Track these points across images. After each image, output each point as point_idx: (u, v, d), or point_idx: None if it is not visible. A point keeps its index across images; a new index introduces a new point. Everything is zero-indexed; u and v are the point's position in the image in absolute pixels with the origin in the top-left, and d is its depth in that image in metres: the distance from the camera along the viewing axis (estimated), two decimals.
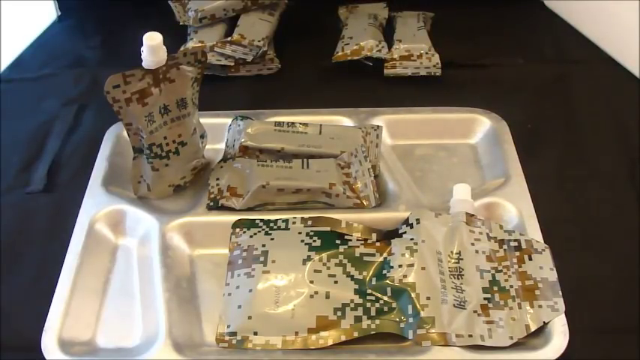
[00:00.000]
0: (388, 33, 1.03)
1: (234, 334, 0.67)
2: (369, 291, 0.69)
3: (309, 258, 0.71)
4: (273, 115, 0.89)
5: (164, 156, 0.77)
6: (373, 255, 0.72)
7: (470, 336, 0.65)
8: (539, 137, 0.88)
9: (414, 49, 0.99)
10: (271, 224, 0.76)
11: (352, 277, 0.70)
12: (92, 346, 0.68)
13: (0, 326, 0.69)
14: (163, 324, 0.67)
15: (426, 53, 0.99)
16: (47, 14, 1.14)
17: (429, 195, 0.80)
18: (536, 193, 0.78)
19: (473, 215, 0.74)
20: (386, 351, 0.66)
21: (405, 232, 0.73)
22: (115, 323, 0.70)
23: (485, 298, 0.68)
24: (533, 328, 0.66)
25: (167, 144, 0.76)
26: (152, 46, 0.70)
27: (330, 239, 0.73)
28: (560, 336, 0.65)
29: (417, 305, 0.66)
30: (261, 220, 0.76)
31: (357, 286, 0.69)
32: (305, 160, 0.81)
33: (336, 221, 0.75)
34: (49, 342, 0.66)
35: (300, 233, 0.74)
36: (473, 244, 0.72)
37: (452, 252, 0.71)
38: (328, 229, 0.74)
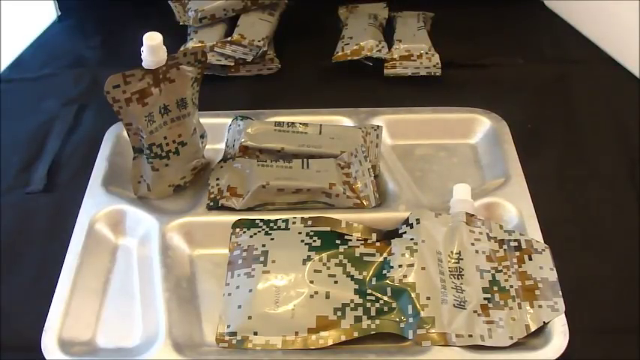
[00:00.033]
0: (388, 33, 1.03)
1: (234, 334, 0.67)
2: (369, 291, 0.69)
3: (309, 258, 0.71)
4: (273, 115, 0.89)
5: (164, 156, 0.77)
6: (373, 255, 0.72)
7: (470, 336, 0.65)
8: (539, 137, 0.88)
9: (414, 49, 0.99)
10: (271, 224, 0.76)
11: (352, 277, 0.70)
12: (92, 346, 0.68)
13: (0, 326, 0.69)
14: (163, 324, 0.67)
15: (426, 53, 0.99)
16: (47, 14, 1.14)
17: (429, 195, 0.80)
18: (536, 193, 0.78)
19: (473, 215, 0.74)
20: (386, 351, 0.66)
21: (405, 232, 0.73)
22: (115, 323, 0.70)
23: (485, 298, 0.68)
24: (533, 328, 0.66)
25: (167, 144, 0.76)
26: (152, 46, 0.70)
27: (330, 239, 0.73)
28: (560, 336, 0.65)
29: (417, 305, 0.66)
30: (261, 220, 0.76)
31: (357, 286, 0.69)
32: (305, 160, 0.81)
33: (336, 221, 0.75)
34: (49, 342, 0.66)
35: (300, 233, 0.74)
36: (473, 244, 0.72)
37: (452, 252, 0.71)
38: (328, 229, 0.74)
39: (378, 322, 0.67)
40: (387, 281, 0.69)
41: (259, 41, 0.98)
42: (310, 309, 0.68)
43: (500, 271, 0.70)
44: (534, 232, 0.74)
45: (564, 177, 0.83)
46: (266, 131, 0.84)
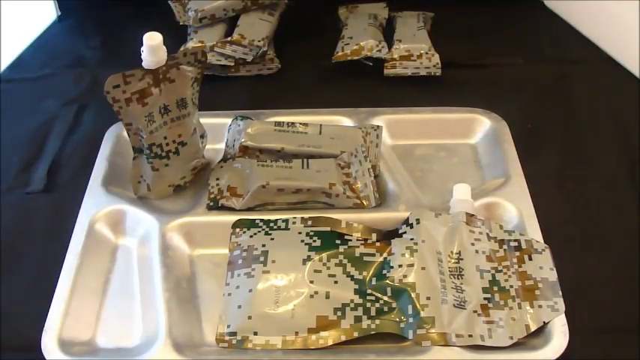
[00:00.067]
0: (388, 33, 1.03)
1: (234, 334, 0.67)
2: (369, 291, 0.69)
3: (309, 258, 0.71)
4: (273, 115, 0.89)
5: (164, 156, 0.77)
6: (373, 255, 0.72)
7: (470, 336, 0.65)
8: (539, 137, 0.88)
9: (414, 49, 0.99)
10: (271, 224, 0.76)
11: (352, 277, 0.70)
12: (92, 346, 0.68)
13: (0, 326, 0.69)
14: (163, 324, 0.67)
15: (426, 53, 0.99)
16: (47, 14, 1.14)
17: (429, 195, 0.80)
18: (536, 193, 0.78)
19: (473, 215, 0.74)
20: (386, 351, 0.66)
21: (405, 232, 0.73)
22: (115, 323, 0.70)
23: (485, 298, 0.68)
24: (533, 328, 0.66)
25: (167, 144, 0.76)
26: (152, 46, 0.70)
27: (330, 239, 0.73)
28: (560, 336, 0.65)
29: (417, 305, 0.66)
30: (261, 220, 0.76)
31: (357, 286, 0.69)
32: (305, 160, 0.81)
33: (336, 221, 0.75)
34: (49, 342, 0.66)
35: (300, 233, 0.74)
36: (473, 244, 0.72)
37: (452, 252, 0.71)
38: (328, 229, 0.74)
39: (378, 322, 0.67)
40: (387, 281, 0.69)
41: (259, 41, 0.98)
42: (310, 309, 0.68)
43: (500, 271, 0.70)
44: (534, 232, 0.74)
45: (564, 177, 0.83)
46: (266, 131, 0.84)
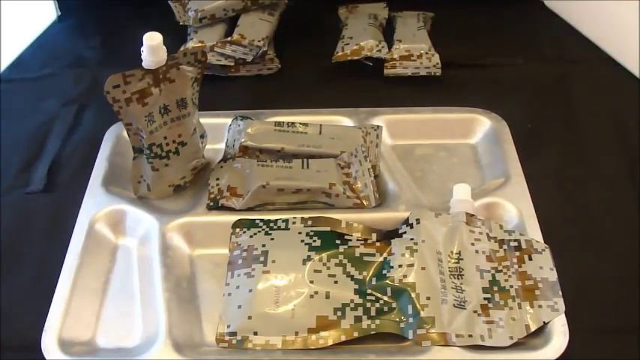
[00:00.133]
0: (388, 33, 1.03)
1: (234, 334, 0.67)
2: (369, 291, 0.69)
3: (309, 258, 0.71)
4: (273, 115, 0.89)
5: (164, 156, 0.77)
6: (373, 255, 0.72)
7: (470, 336, 0.65)
8: (539, 137, 0.88)
9: (414, 49, 0.99)
10: (271, 224, 0.76)
11: (352, 277, 0.70)
12: (92, 346, 0.68)
13: (0, 326, 0.69)
14: (163, 324, 0.67)
15: (426, 53, 0.99)
16: (47, 14, 1.14)
17: (429, 195, 0.80)
18: (536, 193, 0.78)
19: (473, 215, 0.74)
20: (386, 351, 0.66)
21: (405, 232, 0.73)
22: (115, 323, 0.70)
23: (485, 298, 0.68)
24: (533, 328, 0.66)
25: (167, 144, 0.76)
26: (152, 46, 0.70)
27: (330, 239, 0.73)
28: (560, 336, 0.65)
29: (417, 305, 0.66)
30: (261, 220, 0.76)
31: (357, 286, 0.69)
32: (305, 160, 0.81)
33: (336, 221, 0.75)
34: (49, 342, 0.66)
35: (300, 233, 0.74)
36: (473, 244, 0.72)
37: (452, 252, 0.71)
38: (328, 229, 0.74)
39: (378, 322, 0.67)
40: (387, 281, 0.69)
41: (259, 41, 0.98)
42: (310, 309, 0.68)
43: (500, 271, 0.70)
44: (534, 232, 0.74)
45: (564, 177, 0.83)
46: (266, 131, 0.84)
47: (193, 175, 0.82)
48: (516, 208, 0.77)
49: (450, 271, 0.69)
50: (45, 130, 0.92)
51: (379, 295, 0.69)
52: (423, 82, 0.97)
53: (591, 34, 1.05)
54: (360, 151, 0.81)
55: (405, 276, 0.68)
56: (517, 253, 0.71)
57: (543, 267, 0.70)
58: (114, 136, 0.87)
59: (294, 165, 0.80)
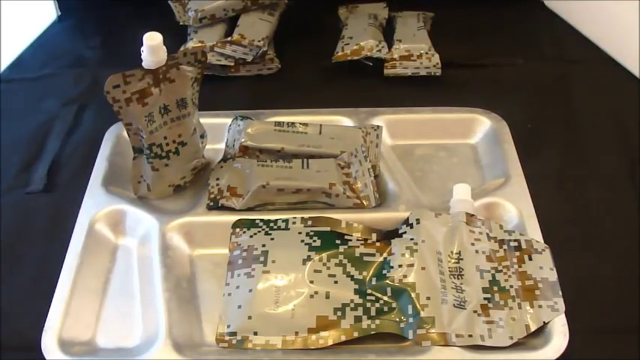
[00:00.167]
0: (388, 33, 1.03)
1: (234, 334, 0.67)
2: (369, 291, 0.69)
3: (309, 258, 0.71)
4: (273, 115, 0.89)
5: (164, 156, 0.77)
6: (373, 255, 0.72)
7: (470, 336, 0.65)
8: (539, 137, 0.88)
9: (414, 49, 0.99)
10: (271, 224, 0.76)
11: (352, 277, 0.70)
12: (92, 346, 0.68)
13: (0, 326, 0.69)
14: (163, 324, 0.67)
15: (426, 53, 0.99)
16: (47, 14, 1.14)
17: (429, 195, 0.80)
18: (536, 193, 0.78)
19: (473, 215, 0.74)
20: (386, 351, 0.66)
21: (405, 232, 0.73)
22: (115, 323, 0.70)
23: (485, 298, 0.68)
24: (533, 328, 0.66)
25: (167, 144, 0.76)
26: (152, 46, 0.70)
27: (330, 239, 0.73)
28: (560, 336, 0.65)
29: (417, 305, 0.66)
30: (261, 220, 0.76)
31: (357, 286, 0.69)
32: (305, 160, 0.81)
33: (336, 221, 0.75)
34: (49, 342, 0.66)
35: (300, 233, 0.74)
36: (473, 244, 0.72)
37: (452, 252, 0.71)
38: (328, 229, 0.74)
39: (378, 322, 0.67)
40: (387, 281, 0.69)
41: (259, 41, 0.98)
42: (310, 309, 0.68)
43: (500, 271, 0.70)
44: (534, 232, 0.74)
45: (564, 177, 0.83)
46: (266, 131, 0.84)
47: (193, 175, 0.82)
48: (516, 208, 0.77)
49: (450, 271, 0.69)
50: (45, 130, 0.92)
51: (379, 295, 0.69)
52: (423, 82, 0.97)
53: (591, 34, 1.05)
54: (360, 151, 0.81)
55: (405, 276, 0.68)
56: (517, 253, 0.71)
57: (543, 267, 0.70)
58: (114, 136, 0.87)
59: (294, 165, 0.80)
